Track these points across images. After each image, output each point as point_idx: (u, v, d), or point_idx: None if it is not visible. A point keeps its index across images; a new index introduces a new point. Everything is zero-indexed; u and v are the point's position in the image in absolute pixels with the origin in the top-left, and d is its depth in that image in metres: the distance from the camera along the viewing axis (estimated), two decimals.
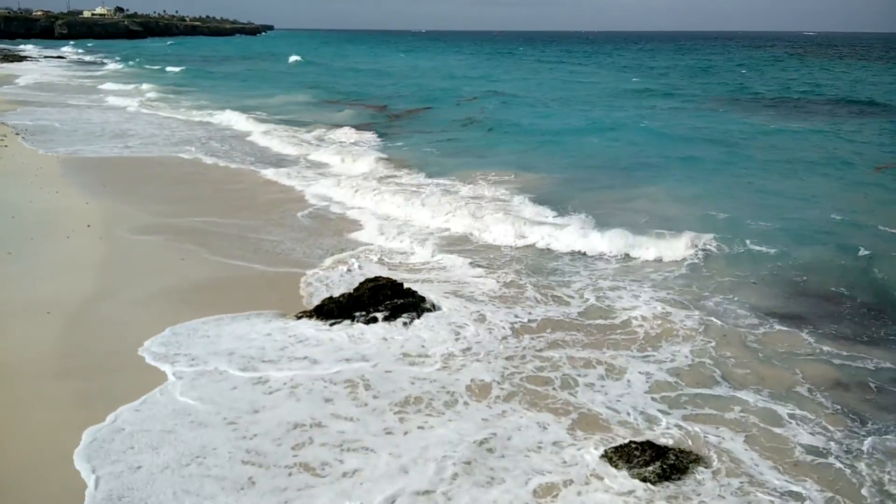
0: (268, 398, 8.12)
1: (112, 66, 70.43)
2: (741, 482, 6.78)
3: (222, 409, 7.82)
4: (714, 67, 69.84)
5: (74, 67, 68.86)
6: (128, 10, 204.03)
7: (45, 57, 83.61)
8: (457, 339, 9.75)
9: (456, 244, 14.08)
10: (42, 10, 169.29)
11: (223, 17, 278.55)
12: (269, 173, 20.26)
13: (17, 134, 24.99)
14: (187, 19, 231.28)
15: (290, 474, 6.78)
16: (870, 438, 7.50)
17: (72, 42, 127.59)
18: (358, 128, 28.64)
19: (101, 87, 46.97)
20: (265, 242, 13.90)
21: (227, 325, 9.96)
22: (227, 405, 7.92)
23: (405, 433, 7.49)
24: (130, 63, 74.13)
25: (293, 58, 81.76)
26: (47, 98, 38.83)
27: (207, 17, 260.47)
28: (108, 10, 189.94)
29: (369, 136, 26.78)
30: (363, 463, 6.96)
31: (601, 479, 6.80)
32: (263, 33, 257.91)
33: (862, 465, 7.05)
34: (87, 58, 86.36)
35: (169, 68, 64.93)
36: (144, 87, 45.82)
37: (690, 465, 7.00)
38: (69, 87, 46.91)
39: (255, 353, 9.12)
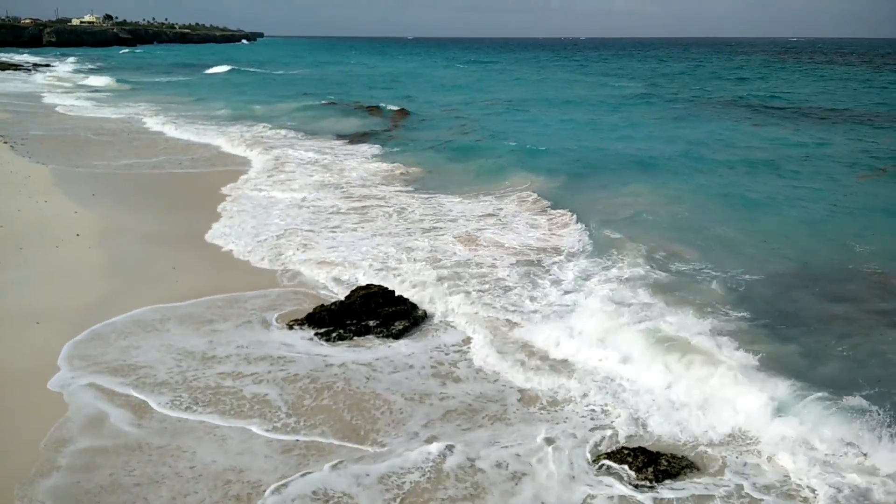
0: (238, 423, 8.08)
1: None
2: (734, 487, 6.80)
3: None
4: (694, 72, 70.44)
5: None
6: (117, 17, 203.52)
7: (38, 66, 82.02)
8: (452, 346, 9.78)
9: None
10: (30, 18, 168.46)
11: (213, 24, 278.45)
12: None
13: (6, 143, 24.82)
14: (176, 27, 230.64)
15: None
16: (871, 455, 7.20)
17: (24, 51, 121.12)
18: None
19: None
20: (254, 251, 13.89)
21: (218, 334, 9.95)
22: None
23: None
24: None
25: (220, 68, 76.23)
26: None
27: (196, 24, 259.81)
28: (96, 17, 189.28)
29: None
30: None
31: (592, 484, 6.81)
32: (253, 41, 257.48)
33: (859, 477, 7.08)
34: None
35: (92, 80, 58.71)
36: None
37: (683, 470, 7.02)
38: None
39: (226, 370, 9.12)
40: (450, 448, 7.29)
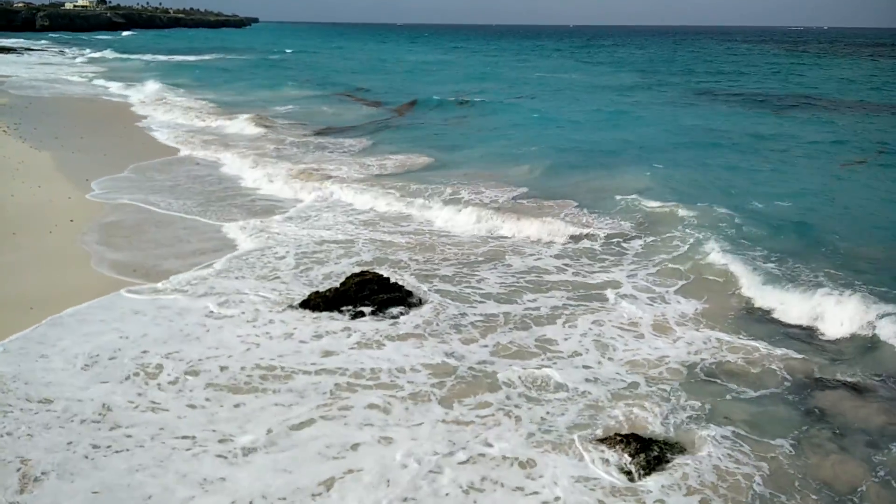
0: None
1: None
2: (727, 475, 6.84)
3: None
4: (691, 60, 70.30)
5: None
6: (110, 1, 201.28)
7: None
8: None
9: None
10: (23, 2, 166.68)
11: (207, 9, 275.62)
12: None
13: None
14: (171, 11, 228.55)
15: None
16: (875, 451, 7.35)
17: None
18: None
19: None
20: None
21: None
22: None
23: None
24: None
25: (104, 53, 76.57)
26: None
27: (191, 9, 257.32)
28: (89, 1, 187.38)
29: None
30: None
31: (584, 470, 6.85)
32: (248, 26, 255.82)
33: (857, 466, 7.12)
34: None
35: None
36: None
37: (676, 456, 7.04)
38: None
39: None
40: None
